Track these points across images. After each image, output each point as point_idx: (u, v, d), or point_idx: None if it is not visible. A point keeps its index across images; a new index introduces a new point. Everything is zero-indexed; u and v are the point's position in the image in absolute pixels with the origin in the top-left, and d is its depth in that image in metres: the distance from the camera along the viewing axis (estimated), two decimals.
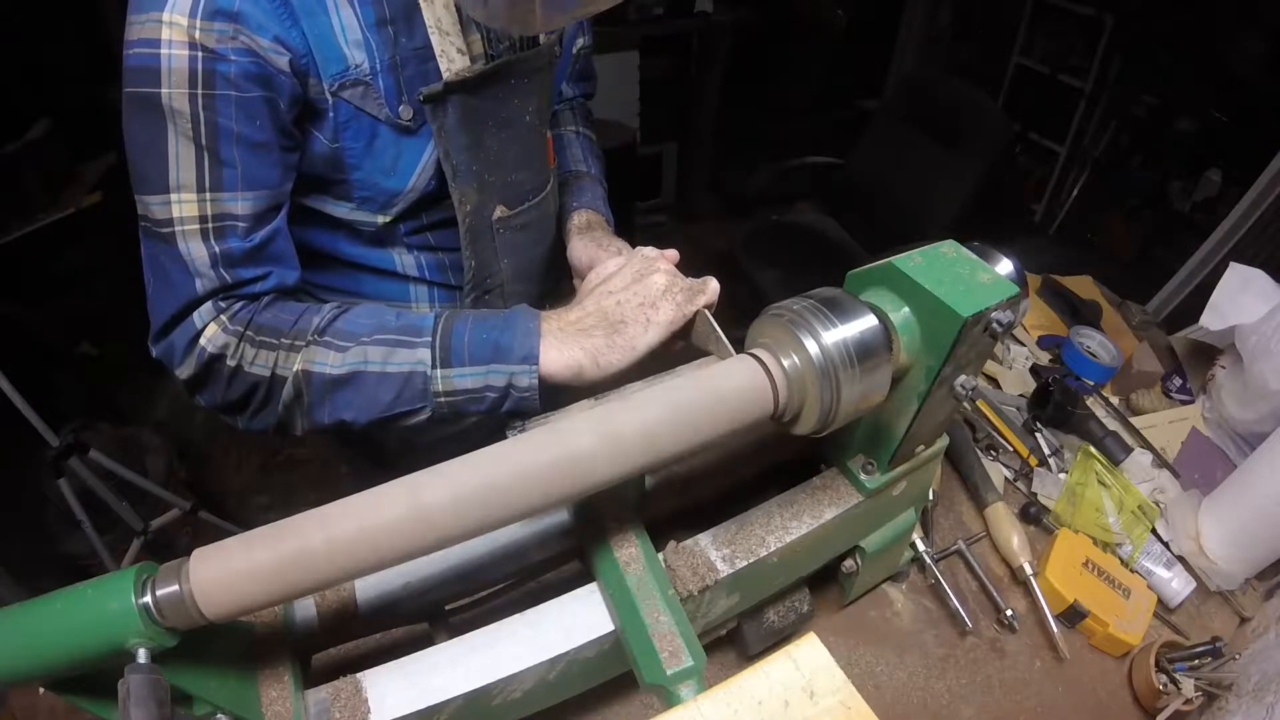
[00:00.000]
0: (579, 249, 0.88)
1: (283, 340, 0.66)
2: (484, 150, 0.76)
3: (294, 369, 0.65)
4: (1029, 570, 0.90)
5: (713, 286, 0.71)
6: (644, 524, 0.63)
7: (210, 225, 0.63)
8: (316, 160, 0.70)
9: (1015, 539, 0.92)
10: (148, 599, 0.40)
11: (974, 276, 0.56)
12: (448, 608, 0.68)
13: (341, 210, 0.75)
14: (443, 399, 0.66)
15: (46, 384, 2.03)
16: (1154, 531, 1.01)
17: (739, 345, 0.59)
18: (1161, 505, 1.05)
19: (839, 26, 3.53)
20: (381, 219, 0.76)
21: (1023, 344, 1.31)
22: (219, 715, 0.48)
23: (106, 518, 1.71)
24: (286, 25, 0.62)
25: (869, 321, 0.54)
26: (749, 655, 0.79)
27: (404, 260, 0.82)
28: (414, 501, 0.45)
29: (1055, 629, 0.86)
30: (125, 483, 1.75)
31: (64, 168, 2.20)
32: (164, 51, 0.58)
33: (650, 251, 0.73)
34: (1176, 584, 0.95)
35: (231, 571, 0.42)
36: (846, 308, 0.54)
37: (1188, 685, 0.80)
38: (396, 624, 0.67)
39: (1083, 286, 1.47)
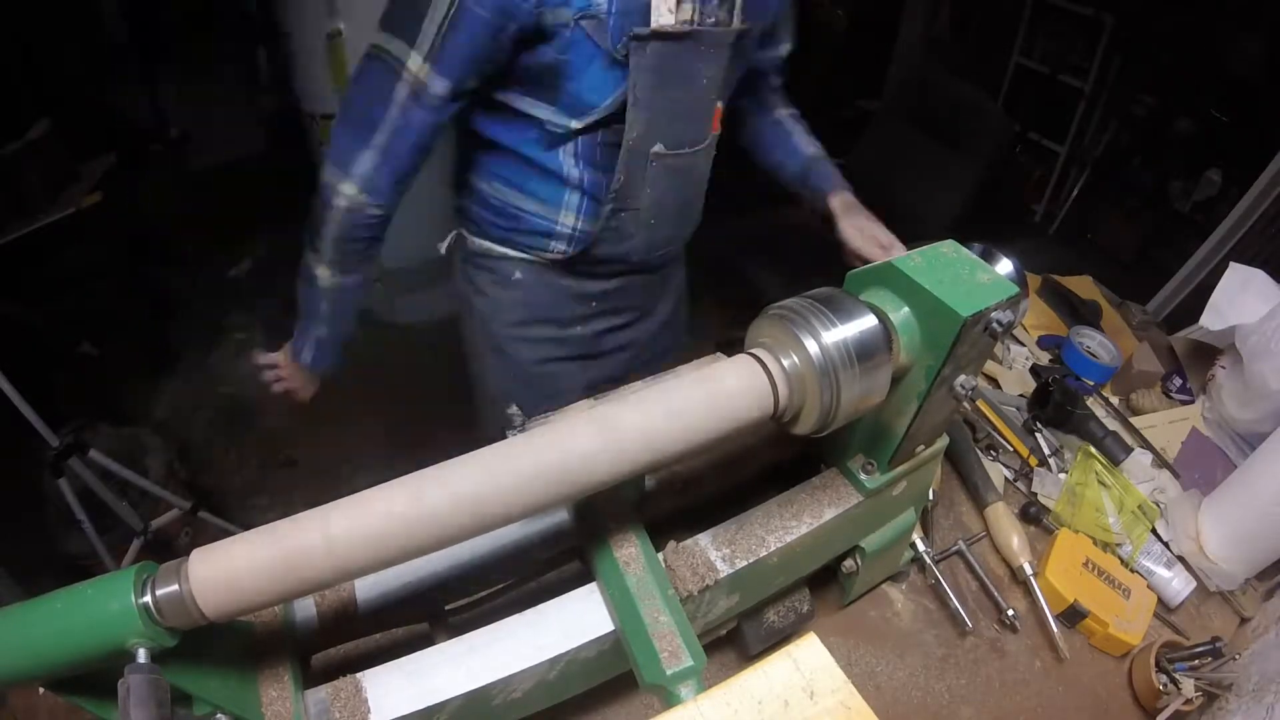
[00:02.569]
0: (849, 231, 1.07)
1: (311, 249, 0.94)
2: (663, 94, 0.88)
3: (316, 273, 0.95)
4: (1029, 570, 0.90)
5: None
6: (644, 524, 0.63)
7: (421, 85, 0.81)
8: (541, 67, 0.84)
9: (1015, 539, 0.92)
10: (148, 599, 0.40)
11: (974, 276, 0.56)
12: (448, 608, 0.68)
13: (542, 111, 0.89)
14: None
15: (46, 384, 2.03)
16: (1154, 531, 1.01)
17: (739, 345, 0.59)
18: (1161, 505, 1.05)
19: (839, 26, 3.53)
20: (573, 124, 0.89)
21: (1023, 344, 1.31)
22: (219, 715, 0.48)
23: (106, 518, 1.71)
24: None
25: (869, 321, 0.54)
26: (749, 655, 0.78)
27: (570, 169, 0.95)
28: (414, 501, 0.45)
29: (1055, 629, 0.86)
30: (125, 483, 1.75)
31: (64, 168, 2.19)
32: None
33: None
34: (1177, 584, 0.94)
35: (231, 571, 0.42)
36: (846, 307, 0.54)
37: (1188, 685, 0.80)
38: (396, 624, 0.67)
39: (1083, 286, 1.47)
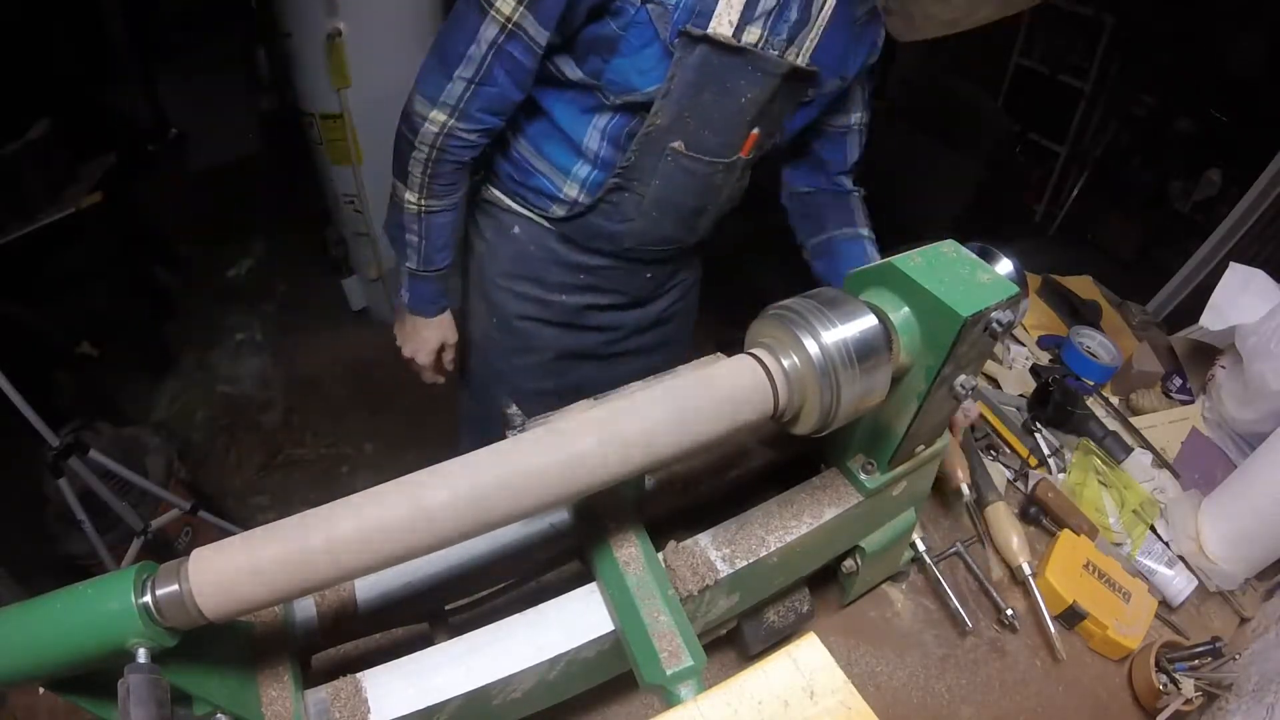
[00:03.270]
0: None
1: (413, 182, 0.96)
2: (698, 97, 0.88)
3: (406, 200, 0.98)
4: (1028, 570, 0.90)
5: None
6: (644, 524, 0.63)
7: (510, 31, 0.83)
8: (599, 39, 0.85)
9: (1015, 539, 0.92)
10: (147, 599, 0.40)
11: (974, 276, 0.56)
12: (448, 608, 0.68)
13: (587, 80, 0.90)
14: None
15: (46, 384, 2.03)
16: (1155, 531, 1.01)
17: (739, 345, 0.59)
18: (1161, 505, 1.05)
19: None
20: (612, 99, 0.90)
21: (1023, 344, 1.31)
22: (219, 715, 0.48)
23: (106, 518, 1.71)
24: None
25: (869, 321, 0.54)
26: (749, 655, 0.78)
27: (591, 142, 0.96)
28: (414, 501, 0.45)
29: (1053, 629, 0.86)
30: (125, 483, 1.75)
31: (64, 168, 2.19)
32: None
33: None
34: (1178, 583, 0.95)
35: (231, 571, 0.42)
36: (846, 307, 0.54)
37: (1188, 685, 0.80)
38: (396, 624, 0.67)
39: (1083, 286, 1.47)
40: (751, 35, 0.83)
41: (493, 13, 0.82)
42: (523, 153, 1.01)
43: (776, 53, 0.86)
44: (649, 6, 0.81)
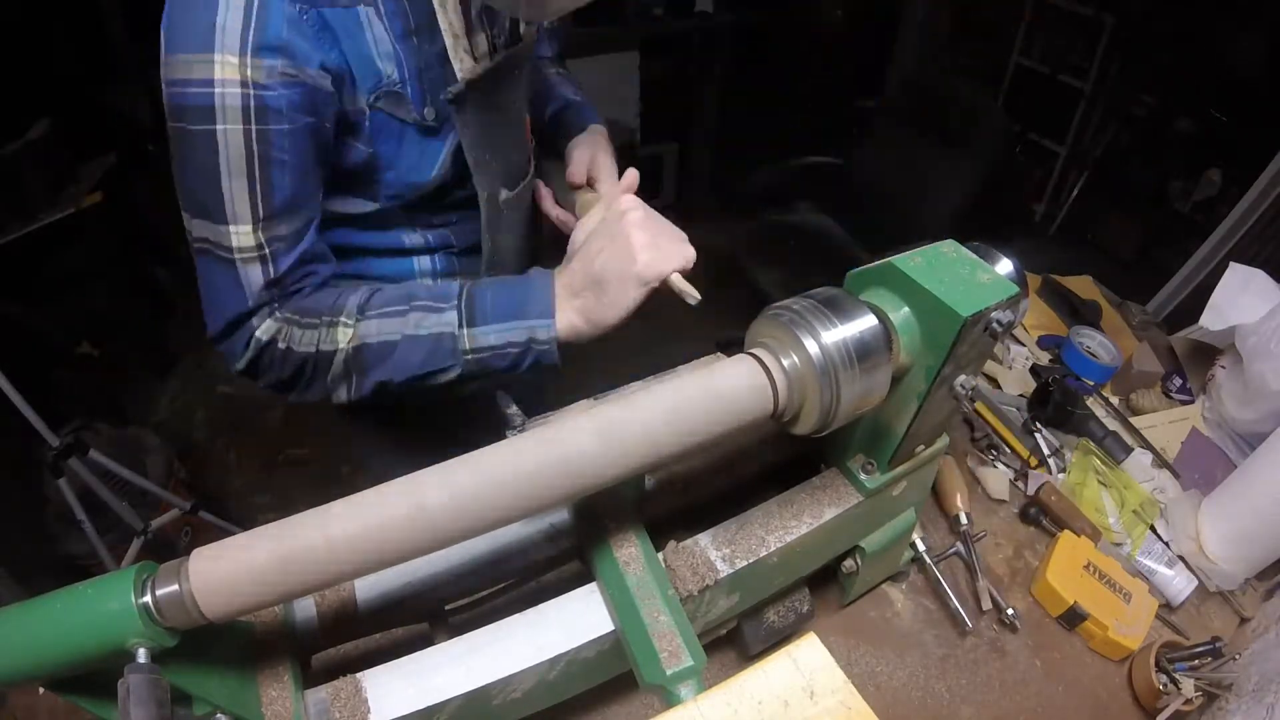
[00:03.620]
0: (578, 151, 0.93)
1: (324, 319, 0.72)
2: (491, 138, 0.82)
3: (341, 345, 0.72)
4: (965, 521, 0.92)
5: (688, 251, 0.72)
6: (644, 524, 0.63)
7: (265, 251, 0.68)
8: (352, 167, 0.74)
9: (958, 495, 0.95)
10: (147, 599, 0.40)
11: (974, 276, 0.56)
12: (448, 608, 0.68)
13: (365, 208, 0.80)
14: (470, 356, 0.72)
15: (46, 384, 2.03)
16: (1155, 531, 1.01)
17: (739, 345, 0.59)
18: (1161, 505, 1.05)
19: (839, 26, 3.53)
20: (399, 207, 0.81)
21: (1023, 344, 1.31)
22: (219, 715, 0.48)
23: (106, 518, 1.71)
24: (328, 49, 0.65)
25: (869, 321, 0.54)
26: (749, 655, 0.79)
27: (410, 237, 0.87)
28: (414, 501, 0.45)
29: (993, 594, 0.89)
30: (125, 483, 1.75)
31: (64, 168, 2.19)
32: (217, 90, 0.61)
33: (625, 201, 0.73)
34: (1179, 583, 0.95)
35: (231, 571, 0.42)
36: (846, 307, 0.54)
37: (1188, 685, 0.80)
38: (396, 624, 0.67)
39: (1083, 286, 1.47)
40: (484, 45, 0.76)
41: (238, 255, 0.67)
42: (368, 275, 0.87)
43: (509, 41, 0.80)
44: (379, 106, 0.71)
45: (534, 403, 0.79)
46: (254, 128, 0.63)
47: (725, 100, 3.25)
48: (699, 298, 0.69)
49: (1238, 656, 0.84)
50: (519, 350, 0.72)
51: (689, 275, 0.72)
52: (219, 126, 0.62)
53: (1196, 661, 0.84)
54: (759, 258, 2.27)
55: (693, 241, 0.74)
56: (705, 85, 3.20)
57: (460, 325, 0.71)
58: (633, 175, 0.86)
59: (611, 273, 0.69)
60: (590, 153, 0.92)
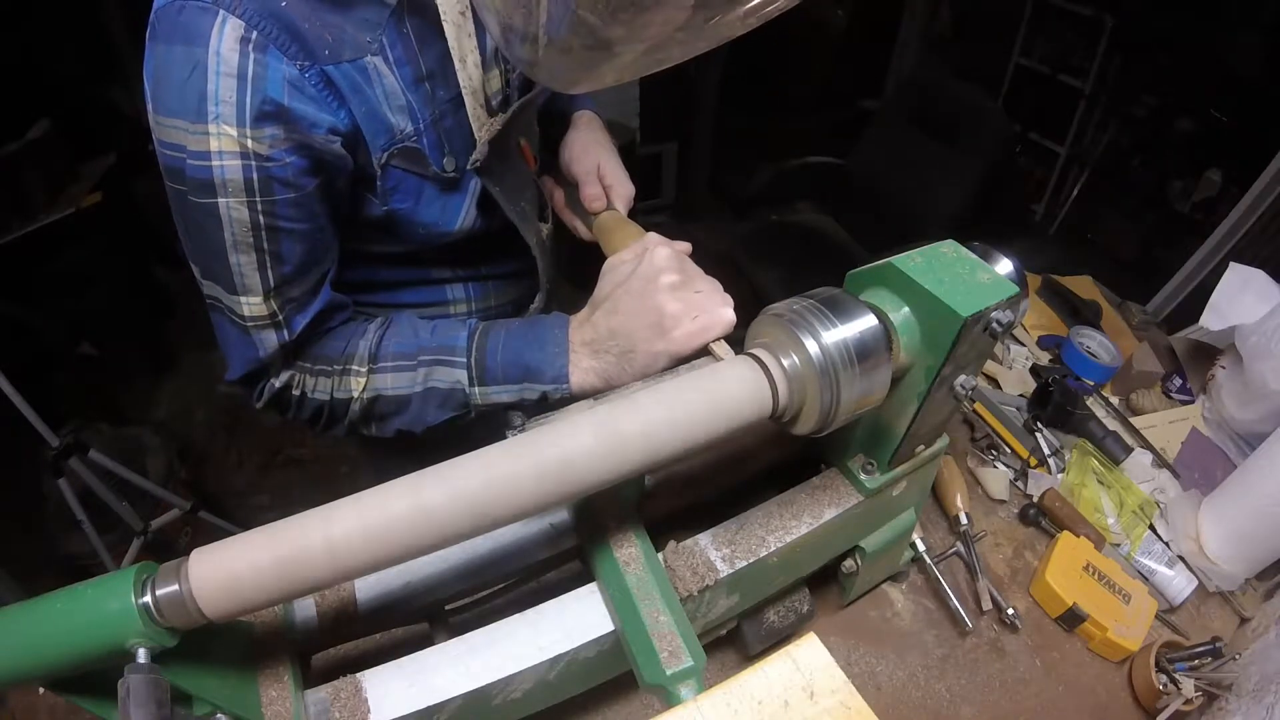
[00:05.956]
0: (574, 148, 0.90)
1: (335, 367, 0.72)
2: (511, 184, 0.79)
3: (355, 394, 0.72)
4: (964, 522, 0.93)
5: (727, 317, 0.66)
6: (644, 524, 0.63)
7: (279, 317, 0.67)
8: (371, 220, 0.72)
9: (959, 496, 0.95)
10: (147, 599, 0.40)
11: (974, 276, 0.56)
12: (448, 608, 0.68)
13: (393, 248, 0.78)
14: (482, 407, 0.73)
15: (46, 384, 2.03)
16: (1155, 531, 1.01)
17: (739, 346, 0.59)
18: (1161, 505, 1.05)
19: (839, 26, 3.53)
20: (436, 245, 0.79)
21: (1023, 344, 1.31)
22: (219, 715, 0.48)
23: (106, 518, 1.71)
24: (335, 110, 0.61)
25: (869, 321, 0.54)
26: (749, 655, 0.78)
27: (439, 272, 0.86)
28: (414, 501, 0.45)
29: (994, 595, 0.88)
30: (125, 483, 1.75)
31: (64, 168, 2.20)
32: (215, 164, 0.57)
33: (660, 258, 0.67)
34: (1179, 582, 0.94)
35: (231, 571, 0.42)
36: (846, 308, 0.54)
37: (1188, 685, 0.80)
38: (396, 624, 0.67)
39: (1083, 286, 1.47)
40: (497, 83, 0.73)
41: (250, 323, 0.66)
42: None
43: (523, 82, 0.78)
44: (393, 164, 0.68)
45: None
46: (259, 199, 0.59)
47: (725, 100, 3.25)
48: (735, 356, 0.65)
49: (1238, 657, 0.84)
50: (534, 403, 0.72)
51: None
52: (221, 200, 0.59)
53: (1196, 662, 0.84)
54: (759, 258, 2.27)
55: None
56: (705, 85, 3.20)
57: (471, 384, 0.71)
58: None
59: (640, 341, 0.65)
60: (594, 159, 0.88)
